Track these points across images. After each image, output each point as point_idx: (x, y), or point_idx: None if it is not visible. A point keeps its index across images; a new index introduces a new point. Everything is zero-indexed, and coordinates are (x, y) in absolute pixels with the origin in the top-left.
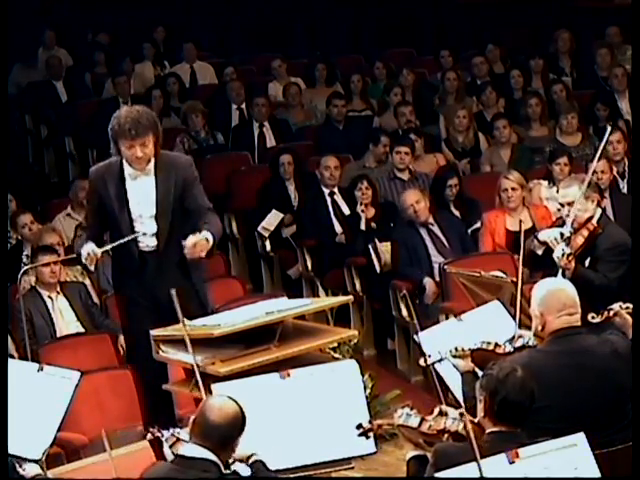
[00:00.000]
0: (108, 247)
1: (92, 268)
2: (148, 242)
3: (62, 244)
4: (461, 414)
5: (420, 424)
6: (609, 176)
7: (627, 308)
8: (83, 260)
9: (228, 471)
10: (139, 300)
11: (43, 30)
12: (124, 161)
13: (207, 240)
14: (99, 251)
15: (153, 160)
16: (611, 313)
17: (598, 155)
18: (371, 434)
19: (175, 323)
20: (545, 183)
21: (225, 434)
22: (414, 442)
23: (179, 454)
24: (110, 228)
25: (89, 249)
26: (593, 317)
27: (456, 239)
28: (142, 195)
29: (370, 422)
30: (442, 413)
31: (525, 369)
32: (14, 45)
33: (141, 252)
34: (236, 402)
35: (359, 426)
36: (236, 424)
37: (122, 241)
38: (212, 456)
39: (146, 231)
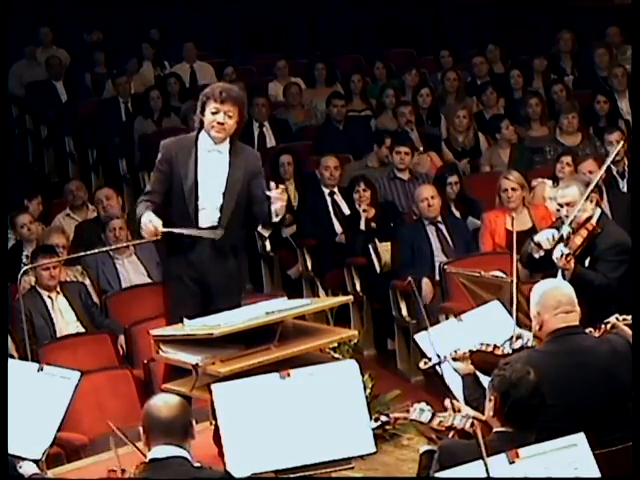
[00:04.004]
0: (171, 230)
1: (147, 238)
2: (212, 218)
3: (66, 246)
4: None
5: (431, 420)
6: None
7: (624, 320)
8: (142, 230)
9: (197, 464)
10: (186, 282)
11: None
12: (201, 135)
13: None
14: (160, 226)
15: (228, 141)
16: (608, 327)
17: (605, 166)
18: (389, 427)
19: (219, 310)
20: (549, 182)
21: (184, 422)
22: (427, 436)
23: (152, 458)
24: (174, 200)
25: (149, 219)
26: (590, 332)
27: (462, 241)
28: (213, 170)
29: (387, 415)
30: (453, 410)
31: (537, 372)
32: (13, 45)
33: (201, 228)
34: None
35: (377, 419)
36: (187, 409)
37: (185, 232)
38: (181, 451)
39: (211, 206)
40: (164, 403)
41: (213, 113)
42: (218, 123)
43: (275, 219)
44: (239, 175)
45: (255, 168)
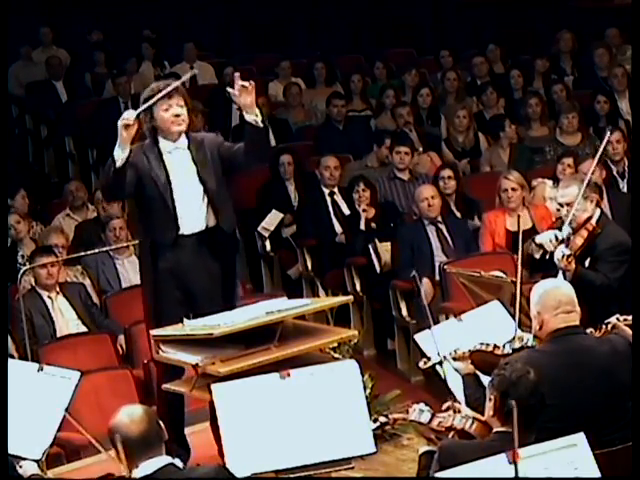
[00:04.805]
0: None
1: (125, 134)
2: (191, 220)
3: (65, 246)
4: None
5: (430, 420)
6: (599, 175)
7: (625, 320)
8: (119, 127)
9: (178, 461)
10: (171, 291)
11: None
12: (158, 137)
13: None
14: (133, 115)
15: (185, 135)
16: (609, 327)
17: (597, 158)
18: (388, 427)
19: (206, 315)
20: (550, 182)
21: (155, 429)
22: (426, 437)
23: (143, 476)
24: (151, 207)
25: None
26: (591, 332)
27: (461, 241)
28: (180, 170)
29: (387, 416)
30: (453, 410)
31: (537, 372)
32: (13, 45)
33: (181, 235)
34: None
35: (375, 420)
36: (152, 416)
37: (160, 95)
38: (167, 458)
39: (186, 206)
40: (130, 420)
41: (166, 110)
42: (176, 115)
43: (252, 119)
44: (208, 165)
45: (216, 145)
